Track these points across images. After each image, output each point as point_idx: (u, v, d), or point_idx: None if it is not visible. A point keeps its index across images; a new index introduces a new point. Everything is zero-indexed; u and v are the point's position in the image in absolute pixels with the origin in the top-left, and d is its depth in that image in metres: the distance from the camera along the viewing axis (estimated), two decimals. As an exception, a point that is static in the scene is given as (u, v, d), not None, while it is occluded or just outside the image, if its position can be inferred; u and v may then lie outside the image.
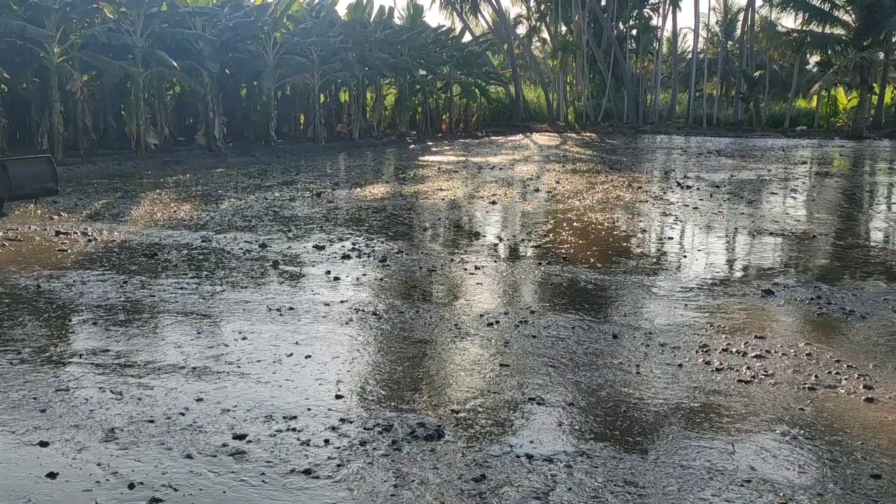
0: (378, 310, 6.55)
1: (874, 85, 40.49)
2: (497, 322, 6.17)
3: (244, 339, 5.75)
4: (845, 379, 4.98)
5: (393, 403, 4.53)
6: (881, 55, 40.97)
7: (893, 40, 41.06)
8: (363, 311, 6.51)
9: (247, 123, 28.93)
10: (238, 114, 29.54)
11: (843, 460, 3.85)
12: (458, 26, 47.10)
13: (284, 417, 4.31)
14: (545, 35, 54.49)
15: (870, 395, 4.70)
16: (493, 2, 47.56)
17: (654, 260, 8.86)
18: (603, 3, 48.49)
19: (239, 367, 5.15)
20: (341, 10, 35.19)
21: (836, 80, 40.53)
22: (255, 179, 17.63)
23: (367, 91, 36.44)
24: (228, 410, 4.42)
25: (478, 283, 7.59)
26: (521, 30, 55.94)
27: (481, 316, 6.38)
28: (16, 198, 11.96)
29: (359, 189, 15.71)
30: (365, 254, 8.93)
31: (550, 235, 10.27)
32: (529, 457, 3.86)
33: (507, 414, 4.39)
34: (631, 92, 47.24)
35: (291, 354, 5.40)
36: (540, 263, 8.47)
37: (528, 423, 4.27)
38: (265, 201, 13.63)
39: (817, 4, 39.82)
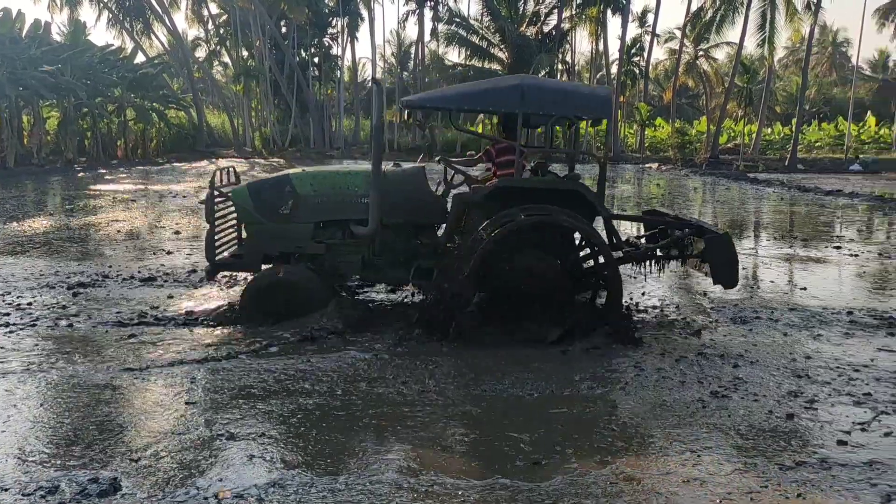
0: (48, 360, 5.83)
1: (527, 115, 46.02)
2: (183, 361, 5.84)
3: None
4: (512, 380, 5.52)
5: (60, 461, 4.05)
6: (531, 89, 46.82)
7: (540, 75, 47.09)
8: (24, 361, 5.74)
9: None
10: None
11: (511, 453, 4.27)
12: (130, 46, 44.06)
13: (-84, 498, 3.63)
14: (227, 59, 53.37)
15: (530, 392, 5.28)
16: (168, 23, 45.39)
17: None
18: (284, 30, 48.81)
19: None
20: (-15, 22, 30.90)
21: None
22: None
23: (24, 113, 32.49)
24: None
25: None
26: (201, 53, 54.18)
27: (163, 354, 5.99)
28: None
29: (16, 223, 13.92)
30: (29, 298, 7.91)
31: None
32: (217, 496, 3.69)
33: (195, 454, 4.17)
34: (317, 118, 48.11)
35: (-74, 422, 4.58)
36: (229, 290, 8.20)
37: (218, 461, 4.09)
38: None
39: (477, 42, 44.28)
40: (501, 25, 43.49)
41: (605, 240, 6.97)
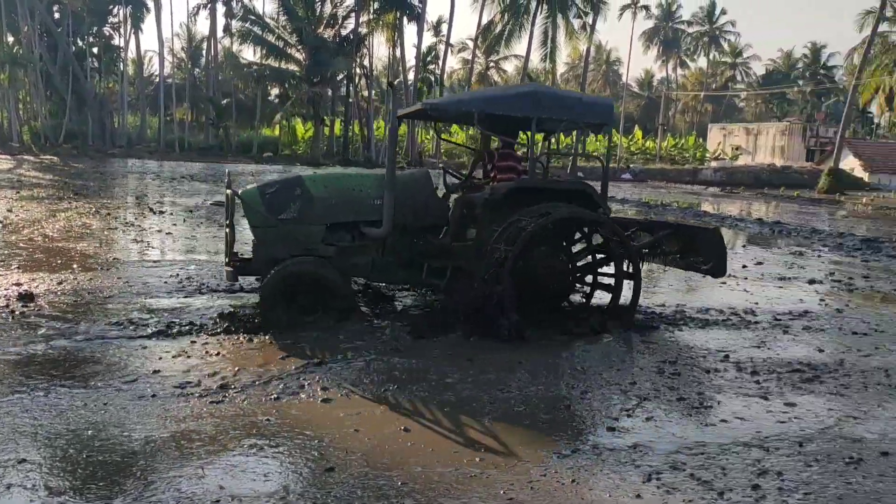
0: None
1: (325, 118, 45.72)
2: (-75, 381, 5.13)
3: None
4: (307, 384, 5.44)
5: None
6: (329, 91, 46.51)
7: (338, 79, 47.04)
8: None
9: None
10: None
11: (302, 461, 4.20)
12: None
13: None
14: (-12, 44, 47.90)
15: (326, 396, 5.23)
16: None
17: (126, 295, 8.44)
18: (57, 15, 44.72)
19: None
20: None
21: (294, 111, 44.74)
22: None
23: None
24: None
25: None
26: (-45, 35, 48.17)
27: None
28: None
29: None
30: None
31: (3, 273, 9.00)
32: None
33: (-62, 490, 3.67)
34: (96, 113, 44.57)
35: None
36: (-14, 305, 7.34)
37: (-33, 495, 3.63)
38: None
39: (273, 41, 43.28)
40: (298, 26, 42.82)
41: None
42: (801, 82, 78.56)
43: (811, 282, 10.91)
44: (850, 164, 44.71)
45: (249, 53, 46.49)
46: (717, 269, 7.82)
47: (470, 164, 8.30)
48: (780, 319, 8.27)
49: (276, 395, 5.19)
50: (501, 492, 3.91)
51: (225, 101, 47.01)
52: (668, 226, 8.30)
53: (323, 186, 7.19)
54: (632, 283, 7.33)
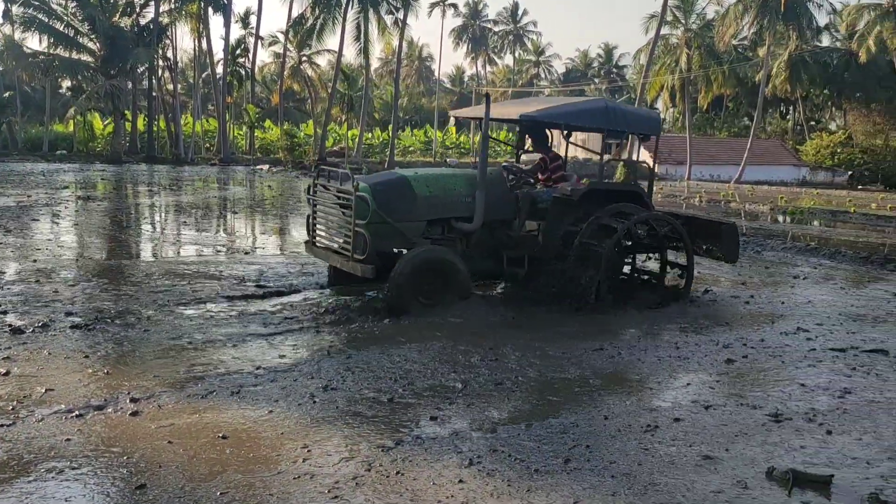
0: None
1: (126, 112, 42.78)
2: None
3: None
4: (116, 396, 5.07)
5: None
6: (130, 84, 43.56)
7: (139, 71, 44.20)
8: None
9: None
10: None
11: (109, 481, 3.91)
12: None
13: None
14: None
15: (135, 409, 4.90)
16: None
17: None
18: None
19: None
20: None
21: (90, 105, 41.39)
22: None
23: None
24: None
25: None
26: None
27: None
28: None
29: None
30: None
31: None
32: None
33: None
34: None
35: None
36: None
37: None
38: None
39: (62, 29, 39.75)
40: (91, 14, 39.59)
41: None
42: (596, 80, 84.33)
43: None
44: (642, 155, 48.69)
45: (35, 42, 42.32)
46: (732, 256, 9.37)
47: (534, 166, 9.13)
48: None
49: (77, 413, 4.79)
50: (326, 491, 3.87)
51: (7, 94, 42.63)
52: (695, 219, 9.88)
53: (425, 185, 7.92)
54: (684, 268, 9.02)
